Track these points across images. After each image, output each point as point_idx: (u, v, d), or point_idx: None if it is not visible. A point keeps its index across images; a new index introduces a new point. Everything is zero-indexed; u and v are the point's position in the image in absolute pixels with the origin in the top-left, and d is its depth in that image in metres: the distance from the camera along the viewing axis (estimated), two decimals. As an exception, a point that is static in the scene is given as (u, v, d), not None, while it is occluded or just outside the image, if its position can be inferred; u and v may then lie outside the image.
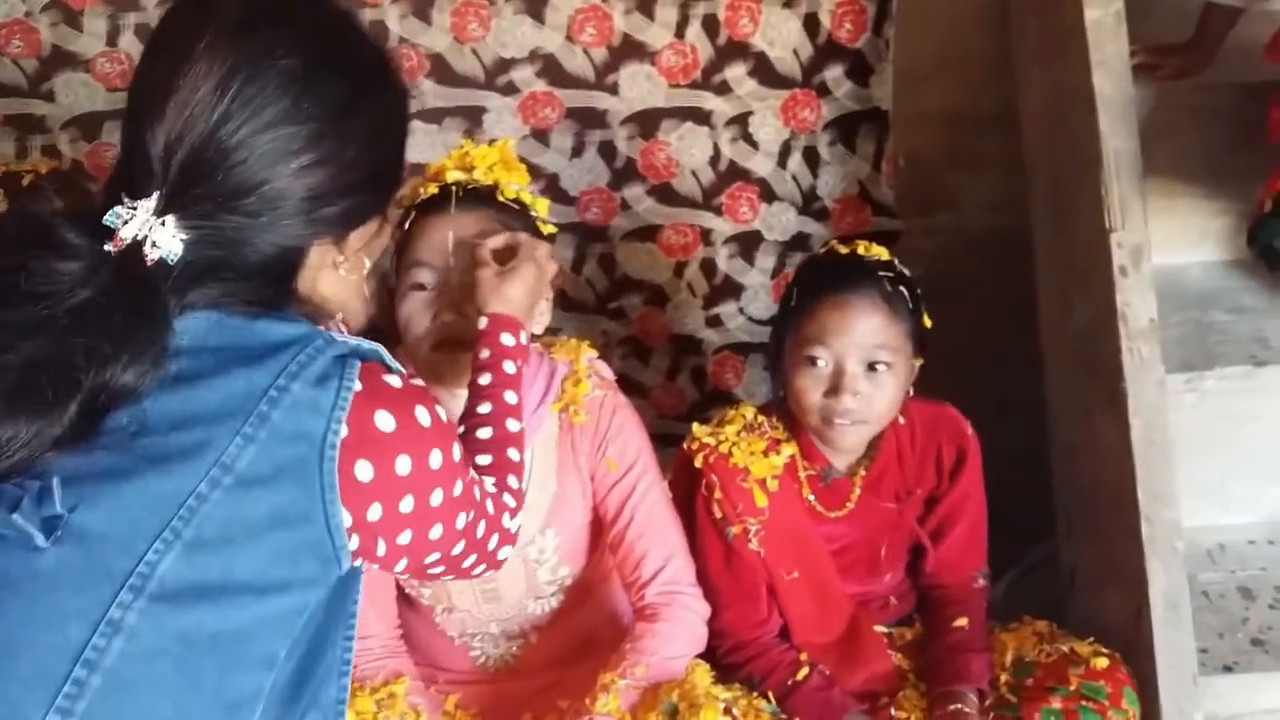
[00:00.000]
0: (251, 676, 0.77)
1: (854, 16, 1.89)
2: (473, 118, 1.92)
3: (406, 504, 0.83)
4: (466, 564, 0.96)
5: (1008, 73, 1.95)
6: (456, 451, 0.88)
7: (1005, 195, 1.99)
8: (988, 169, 2.03)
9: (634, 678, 1.29)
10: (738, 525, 1.40)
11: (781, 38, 1.91)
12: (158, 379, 0.74)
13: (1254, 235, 1.67)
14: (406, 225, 1.29)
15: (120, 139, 0.81)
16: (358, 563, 0.83)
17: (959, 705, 1.35)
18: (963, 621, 1.47)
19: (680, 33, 1.91)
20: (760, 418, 1.45)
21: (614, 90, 1.93)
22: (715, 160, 1.96)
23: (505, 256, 1.19)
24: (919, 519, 1.49)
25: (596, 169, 1.96)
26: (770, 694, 1.38)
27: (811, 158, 1.97)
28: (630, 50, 1.91)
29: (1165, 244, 1.64)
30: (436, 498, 0.85)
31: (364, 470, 0.79)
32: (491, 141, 1.36)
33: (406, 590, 1.42)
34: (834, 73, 1.92)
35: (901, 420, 1.45)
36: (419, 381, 0.88)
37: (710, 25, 1.90)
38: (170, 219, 0.76)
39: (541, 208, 1.34)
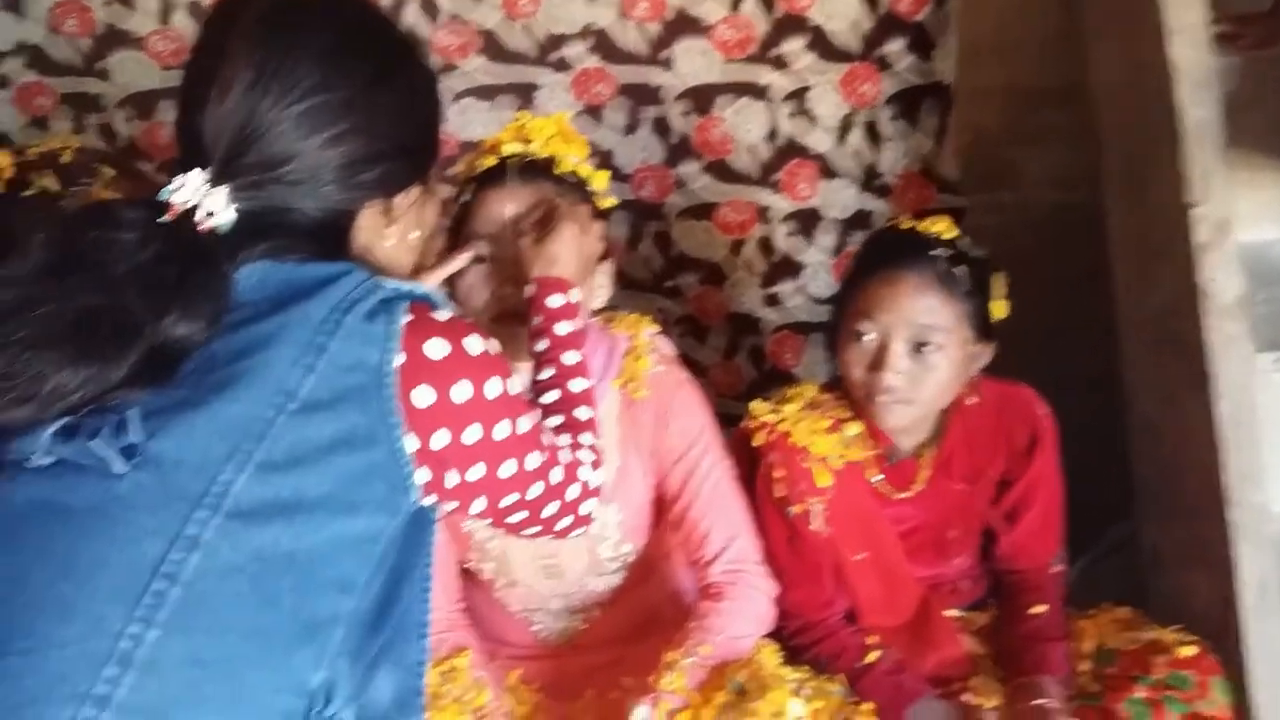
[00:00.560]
0: (328, 598, 0.79)
1: (915, -13, 1.85)
2: (524, 95, 1.90)
3: (472, 433, 0.85)
4: (548, 513, 0.96)
5: (1075, 44, 1.89)
6: (515, 386, 0.90)
7: (1071, 170, 1.93)
8: (1053, 144, 1.98)
9: (700, 656, 1.26)
10: (799, 505, 1.36)
11: (840, 10, 1.87)
12: (216, 330, 0.79)
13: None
14: (466, 198, 1.27)
15: (175, 127, 0.88)
16: (430, 500, 0.85)
17: (1043, 699, 1.30)
18: (1040, 608, 1.42)
19: (736, 6, 1.87)
20: (823, 396, 1.42)
21: (668, 65, 1.89)
22: (773, 136, 1.92)
23: (546, 226, 1.19)
24: (991, 502, 1.44)
25: (650, 146, 1.93)
26: (839, 676, 1.34)
27: (872, 133, 1.92)
28: (684, 25, 1.87)
29: (1250, 219, 1.57)
30: (502, 429, 0.87)
31: (424, 395, 0.82)
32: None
33: (468, 564, 1.41)
34: (895, 46, 1.87)
35: (973, 400, 1.40)
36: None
37: (766, -2, 1.86)
38: (222, 189, 0.82)
39: (600, 180, 1.32)
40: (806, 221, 1.96)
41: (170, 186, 0.82)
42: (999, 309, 1.36)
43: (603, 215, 1.30)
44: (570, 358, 1.11)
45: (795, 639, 1.38)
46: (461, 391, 0.84)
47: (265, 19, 0.86)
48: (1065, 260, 1.88)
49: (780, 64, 1.89)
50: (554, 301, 1.13)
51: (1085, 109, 1.87)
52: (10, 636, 0.72)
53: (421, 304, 0.86)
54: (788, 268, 1.98)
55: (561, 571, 1.37)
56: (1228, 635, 1.37)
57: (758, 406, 1.41)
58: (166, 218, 0.81)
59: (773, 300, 1.99)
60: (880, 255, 1.36)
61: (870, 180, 1.94)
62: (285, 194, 0.84)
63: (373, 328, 0.81)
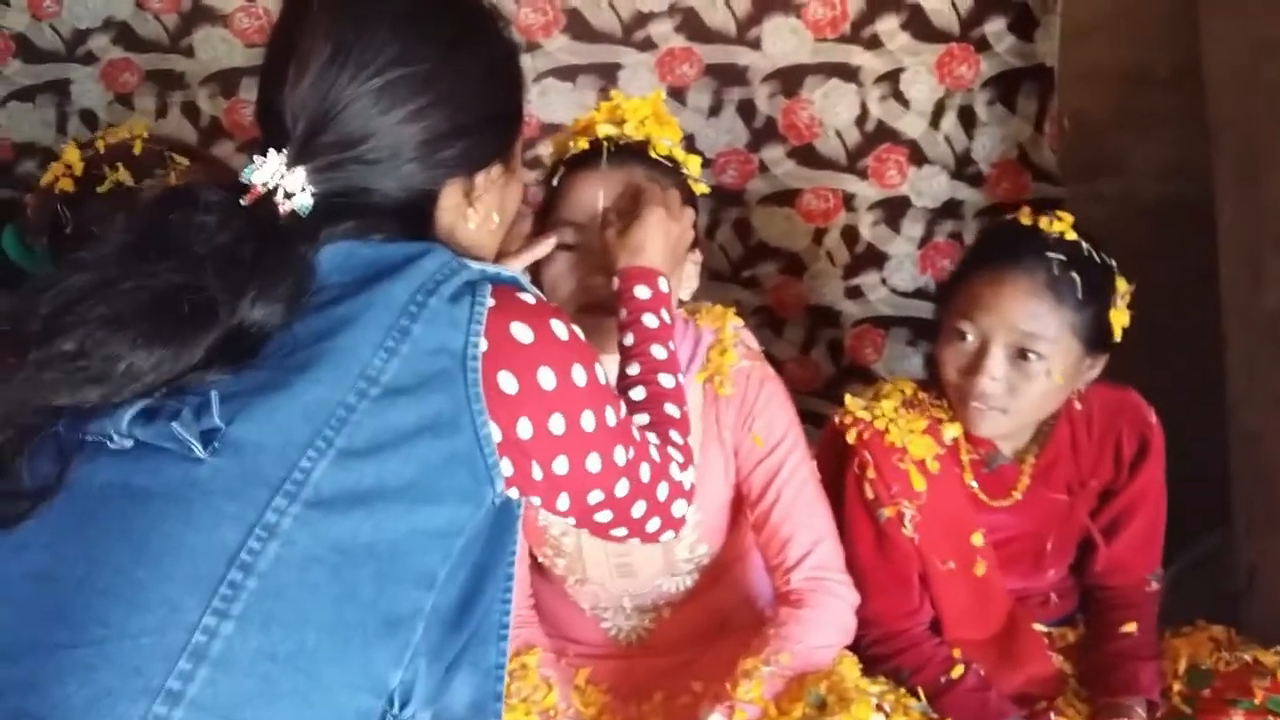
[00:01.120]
0: (409, 593, 0.76)
1: (1019, -35, 1.76)
2: (608, 75, 1.86)
3: (556, 423, 0.82)
4: (638, 513, 0.93)
5: (1187, 26, 1.78)
6: (601, 374, 0.86)
7: (1179, 160, 1.83)
8: (1160, 131, 1.88)
9: (778, 665, 1.22)
10: (891, 508, 1.31)
11: (939, -12, 1.79)
12: (296, 312, 0.77)
13: None
14: (555, 182, 1.24)
15: (255, 107, 0.87)
16: (513, 492, 0.82)
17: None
18: (1131, 626, 1.37)
19: (829, -17, 1.80)
20: (921, 394, 1.36)
21: (756, 45, 1.84)
22: (862, 120, 1.86)
23: (634, 211, 1.14)
24: (1091, 513, 1.37)
25: (735, 129, 1.88)
26: (921, 690, 1.29)
27: (967, 118, 1.84)
28: (775, 2, 1.81)
29: (1379, 216, 1.47)
30: (588, 420, 0.84)
31: (508, 382, 0.80)
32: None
33: (540, 559, 1.39)
34: (995, 26, 1.79)
35: (1078, 406, 1.34)
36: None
37: (861, -26, 1.79)
38: (300, 169, 0.80)
39: (694, 165, 1.27)
40: (894, 210, 1.89)
41: (250, 168, 0.80)
42: (1119, 319, 1.29)
43: (693, 202, 1.26)
44: (658, 351, 1.06)
45: (874, 648, 1.34)
46: (546, 378, 0.81)
47: None
48: (1170, 256, 1.78)
49: (873, 44, 1.82)
50: (641, 292, 1.08)
51: (1196, 94, 1.76)
52: (86, 624, 0.70)
53: (507, 287, 0.83)
54: (872, 258, 1.91)
55: (634, 571, 1.35)
56: (1335, 661, 1.29)
57: (852, 402, 1.36)
58: (246, 200, 0.79)
59: (854, 292, 1.94)
60: (990, 251, 1.30)
61: (963, 168, 1.87)
62: (364, 174, 0.82)
63: (457, 311, 0.79)
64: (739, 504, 1.34)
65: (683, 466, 0.99)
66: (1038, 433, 1.35)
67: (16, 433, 0.74)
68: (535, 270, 1.22)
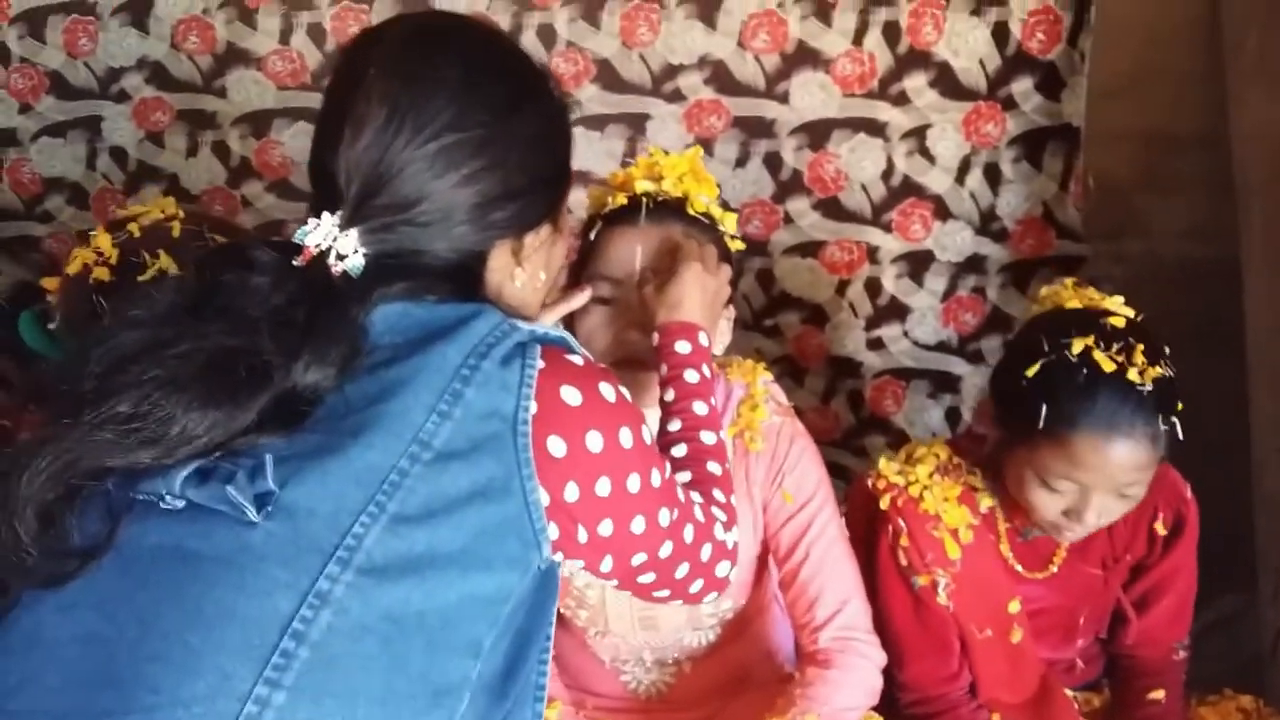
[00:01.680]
0: (458, 662, 0.75)
1: (1047, 26, 1.78)
2: (636, 125, 1.87)
3: (603, 486, 0.82)
4: (681, 574, 0.92)
5: (1215, 89, 1.79)
6: (647, 435, 0.86)
7: (1204, 222, 1.83)
8: (1185, 193, 1.88)
9: (804, 726, 1.20)
10: (925, 576, 1.29)
11: (968, 47, 1.80)
12: (349, 375, 0.76)
13: None
14: (592, 235, 1.24)
15: (309, 165, 0.86)
16: (558, 556, 0.82)
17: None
18: (1159, 694, 1.36)
19: (858, 40, 1.82)
20: (955, 460, 1.34)
21: (784, 99, 1.85)
22: (888, 174, 1.86)
23: (669, 268, 1.14)
24: (1123, 585, 1.36)
25: (761, 180, 1.89)
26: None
27: (993, 174, 1.85)
28: (804, 57, 1.83)
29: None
30: (633, 483, 0.84)
31: (557, 446, 0.80)
32: (665, 151, 1.29)
33: (561, 610, 1.37)
34: (1023, 85, 1.80)
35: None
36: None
37: (891, 33, 1.80)
38: (353, 231, 0.80)
39: (730, 222, 1.27)
40: (917, 264, 1.90)
41: (303, 230, 0.80)
42: (1178, 420, 1.22)
43: (729, 259, 1.26)
44: (700, 408, 1.05)
45: (911, 709, 1.32)
46: (595, 441, 0.81)
47: (398, 55, 0.84)
48: (1193, 317, 1.78)
49: (901, 100, 1.83)
50: (682, 347, 1.08)
51: (1221, 156, 1.77)
52: (135, 691, 0.69)
53: (556, 347, 0.83)
54: (895, 310, 1.92)
55: (658, 625, 1.33)
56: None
57: (885, 465, 1.34)
58: (299, 261, 0.79)
59: (876, 344, 1.94)
60: (1089, 409, 1.16)
61: (987, 223, 1.87)
62: (416, 235, 0.82)
63: (508, 374, 0.79)
64: (764, 559, 1.33)
65: (726, 526, 0.97)
66: None
67: (67, 491, 0.73)
68: (569, 322, 1.22)
